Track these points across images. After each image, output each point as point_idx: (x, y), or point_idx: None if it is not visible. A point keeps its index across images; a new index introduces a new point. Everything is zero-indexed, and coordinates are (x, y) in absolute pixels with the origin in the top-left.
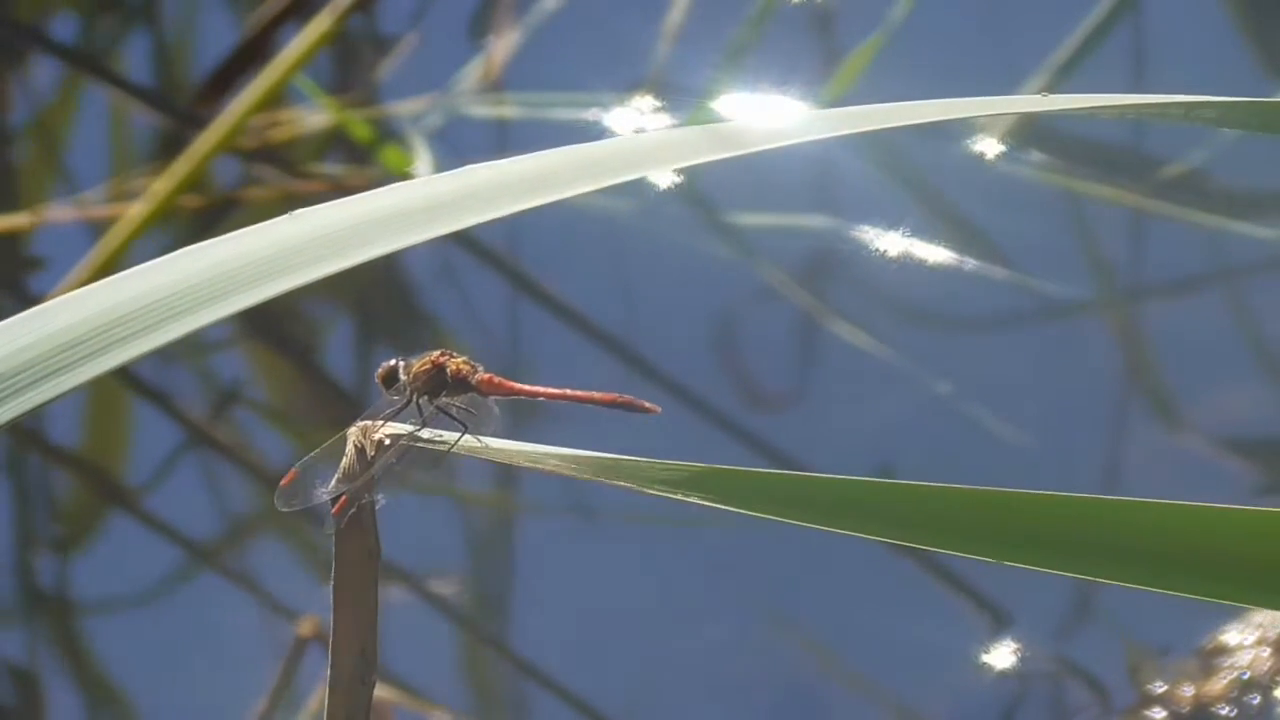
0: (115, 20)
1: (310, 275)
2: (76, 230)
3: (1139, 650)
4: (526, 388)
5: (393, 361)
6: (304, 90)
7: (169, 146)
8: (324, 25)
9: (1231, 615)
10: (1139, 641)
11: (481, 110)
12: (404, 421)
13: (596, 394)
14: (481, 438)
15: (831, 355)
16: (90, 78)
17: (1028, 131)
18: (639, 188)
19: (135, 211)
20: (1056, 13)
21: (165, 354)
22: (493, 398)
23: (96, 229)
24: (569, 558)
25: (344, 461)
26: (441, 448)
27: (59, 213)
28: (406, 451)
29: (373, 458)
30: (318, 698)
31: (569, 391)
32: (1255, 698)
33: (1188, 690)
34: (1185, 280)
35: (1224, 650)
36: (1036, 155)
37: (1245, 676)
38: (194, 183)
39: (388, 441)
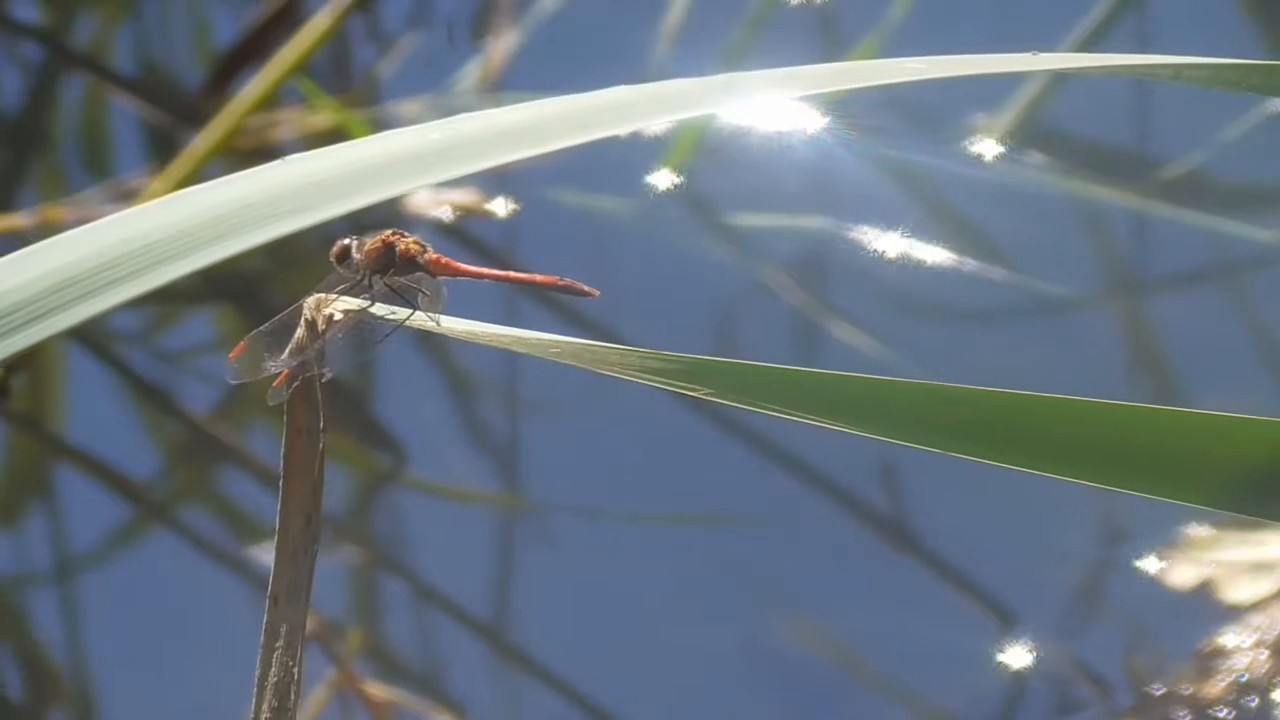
0: (111, 16)
1: (304, 221)
2: None
3: (1137, 652)
4: (472, 268)
5: (347, 240)
6: (303, 91)
7: (167, 147)
8: (323, 24)
9: (1229, 618)
10: (1137, 643)
11: (481, 111)
12: (357, 299)
13: (539, 276)
14: (433, 316)
15: (831, 355)
16: (89, 76)
17: (1027, 132)
18: (638, 188)
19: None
20: (1058, 10)
21: (165, 353)
22: (442, 279)
23: None
24: (573, 556)
25: (297, 334)
26: (393, 322)
27: (57, 213)
28: (355, 327)
29: (322, 332)
30: (317, 698)
31: (512, 274)
32: (1253, 700)
33: (1186, 692)
34: (1186, 280)
35: (1222, 652)
36: (1036, 156)
37: (1243, 679)
38: (192, 183)
39: (338, 316)
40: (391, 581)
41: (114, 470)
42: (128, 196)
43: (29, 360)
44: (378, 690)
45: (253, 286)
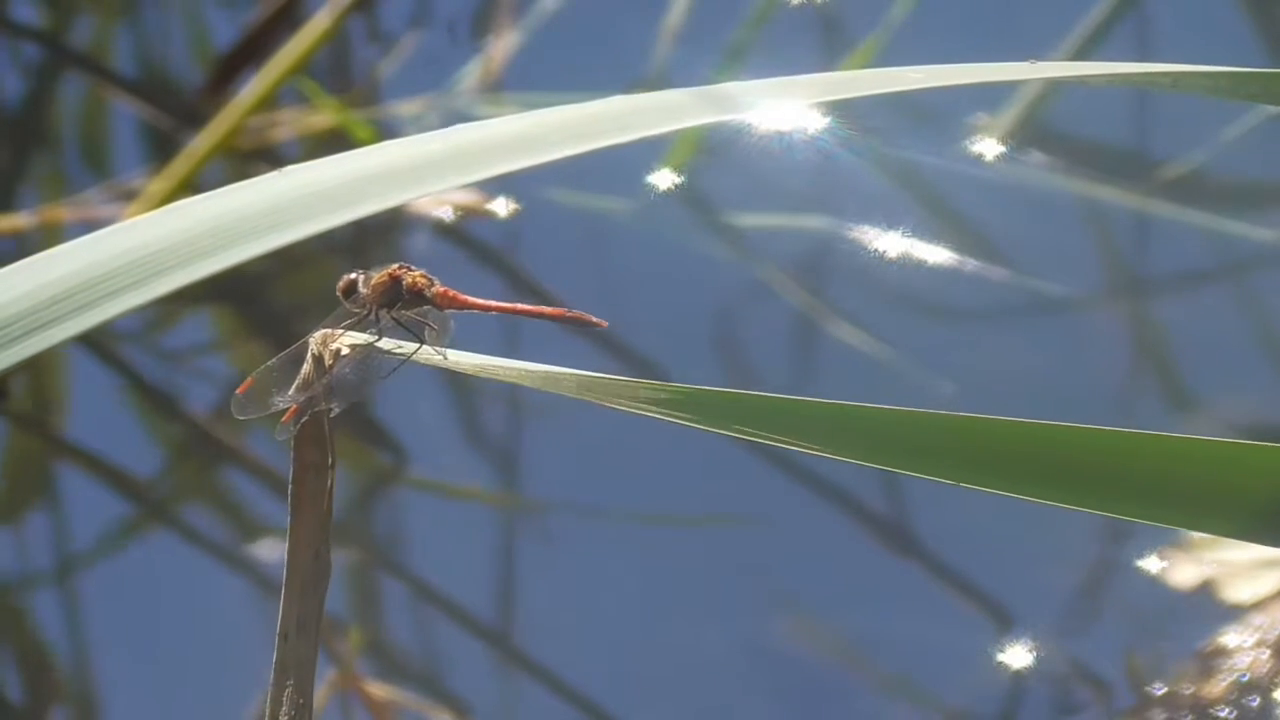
0: (110, 16)
1: (304, 231)
2: (75, 231)
3: (1137, 652)
4: (480, 301)
5: (353, 275)
6: (304, 91)
7: (167, 147)
8: (323, 24)
9: (1231, 617)
10: (1137, 643)
11: (482, 111)
12: (363, 333)
13: (547, 309)
14: (439, 349)
15: (832, 355)
16: (89, 77)
17: (1027, 132)
18: (638, 188)
19: (134, 212)
20: (1058, 11)
21: (165, 353)
22: (449, 311)
23: (94, 229)
24: (573, 556)
25: (304, 369)
26: (400, 356)
27: (57, 213)
28: (362, 361)
29: (329, 367)
30: (318, 697)
31: (520, 306)
32: (1254, 699)
33: (1187, 692)
34: (1187, 279)
35: (1223, 652)
36: (1036, 155)
37: (1244, 679)
38: (192, 183)
39: (345, 351)
40: (391, 581)
41: (115, 469)
42: (128, 197)
43: (29, 360)
44: (378, 690)
45: (254, 287)
